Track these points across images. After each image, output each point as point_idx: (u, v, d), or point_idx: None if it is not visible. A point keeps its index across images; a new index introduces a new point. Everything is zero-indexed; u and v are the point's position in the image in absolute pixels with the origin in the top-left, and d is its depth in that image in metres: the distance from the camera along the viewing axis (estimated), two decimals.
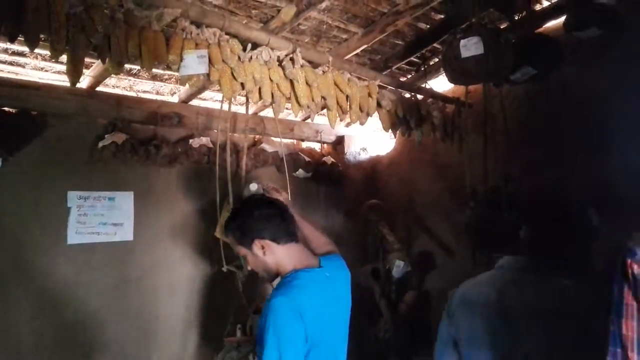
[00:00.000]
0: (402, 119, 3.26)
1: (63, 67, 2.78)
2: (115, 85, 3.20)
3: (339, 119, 2.90)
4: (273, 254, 1.92)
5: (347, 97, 2.86)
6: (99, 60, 2.71)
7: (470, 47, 2.83)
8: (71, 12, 1.77)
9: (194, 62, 2.15)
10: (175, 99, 3.48)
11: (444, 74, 3.06)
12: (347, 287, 2.10)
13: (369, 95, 3.02)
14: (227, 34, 2.31)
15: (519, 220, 2.90)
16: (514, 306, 1.76)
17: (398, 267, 3.66)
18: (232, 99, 2.55)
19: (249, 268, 2.05)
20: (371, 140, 4.73)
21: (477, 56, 2.80)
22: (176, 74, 3.07)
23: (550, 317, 1.66)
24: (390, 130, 3.33)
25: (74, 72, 1.86)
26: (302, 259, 1.95)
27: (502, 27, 3.14)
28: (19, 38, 1.75)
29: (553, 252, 1.86)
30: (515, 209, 3.07)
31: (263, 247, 1.91)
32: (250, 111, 3.72)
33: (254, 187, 2.82)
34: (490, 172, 3.26)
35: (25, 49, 2.60)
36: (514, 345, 1.73)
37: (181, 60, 2.13)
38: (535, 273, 1.81)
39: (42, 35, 1.76)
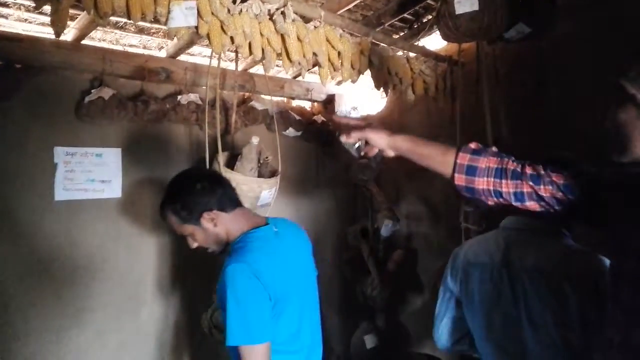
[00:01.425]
0: (394, 77, 3.22)
1: (47, 19, 2.69)
2: (102, 39, 3.11)
3: (330, 76, 2.85)
4: (223, 224, 1.92)
5: (338, 53, 2.81)
6: (84, 12, 2.68)
7: (465, 3, 2.79)
8: None
9: (182, 14, 2.08)
10: (163, 54, 3.40)
11: (438, 31, 3.02)
12: (303, 245, 2.13)
13: (361, 52, 2.97)
14: None
15: None
16: (518, 267, 1.75)
17: (387, 226, 3.69)
18: (222, 55, 2.49)
19: (194, 246, 1.99)
20: (362, 99, 4.69)
21: (471, 13, 2.77)
22: (164, 27, 3.00)
23: (556, 278, 1.65)
24: (381, 89, 3.28)
25: (59, 22, 1.80)
26: (249, 222, 1.96)
27: None
28: None
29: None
30: None
31: (213, 219, 1.90)
32: (240, 68, 3.66)
33: (255, 140, 2.81)
34: (481, 132, 3.25)
35: None
36: (517, 306, 1.73)
37: (169, 11, 2.07)
38: (539, 234, 1.79)
39: None
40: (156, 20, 2.14)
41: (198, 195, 1.93)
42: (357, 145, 1.67)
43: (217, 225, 1.91)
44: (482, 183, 1.43)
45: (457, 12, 2.77)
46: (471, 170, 1.44)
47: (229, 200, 1.98)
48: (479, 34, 2.84)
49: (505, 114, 3.30)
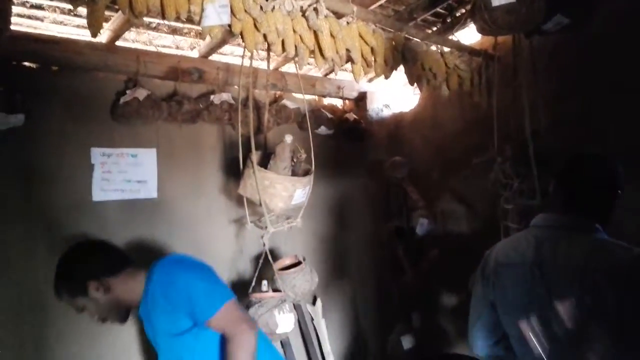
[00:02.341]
0: (428, 72, 3.16)
1: (82, 21, 2.73)
2: (135, 40, 3.14)
3: (363, 72, 2.81)
4: (116, 289, 1.86)
5: (371, 49, 2.77)
6: (118, 13, 2.71)
7: None
8: None
9: (215, 13, 2.07)
10: (195, 54, 3.42)
11: (473, 24, 2.95)
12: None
13: (394, 47, 2.92)
14: None
15: (547, 175, 2.85)
16: (553, 265, 1.70)
17: (422, 225, 3.63)
18: (254, 54, 2.48)
19: (97, 320, 1.92)
20: (394, 96, 4.63)
21: (508, 5, 2.70)
22: (196, 27, 3.02)
23: (590, 274, 1.59)
24: (415, 85, 3.23)
25: (95, 22, 1.81)
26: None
27: None
28: None
29: (586, 209, 1.80)
30: (544, 164, 3.00)
31: (99, 288, 1.84)
32: (271, 67, 3.65)
33: (289, 138, 2.80)
34: (518, 127, 3.18)
35: (44, 1, 2.56)
36: (552, 304, 1.68)
37: (202, 10, 2.07)
38: (570, 230, 1.74)
39: None
40: (189, 20, 2.14)
41: (77, 265, 1.86)
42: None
43: (108, 292, 1.84)
44: None
45: (493, 5, 2.69)
46: None
47: (117, 262, 1.91)
48: (517, 26, 2.76)
49: (544, 108, 3.21)
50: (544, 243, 1.76)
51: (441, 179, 4.10)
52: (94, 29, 1.81)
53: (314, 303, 3.80)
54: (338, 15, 2.61)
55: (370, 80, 4.35)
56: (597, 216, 1.77)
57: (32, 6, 2.58)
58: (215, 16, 2.09)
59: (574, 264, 1.64)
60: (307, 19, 2.43)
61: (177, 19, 2.06)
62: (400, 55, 2.96)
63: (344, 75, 4.20)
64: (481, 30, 2.87)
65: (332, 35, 2.51)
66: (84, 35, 2.86)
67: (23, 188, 2.72)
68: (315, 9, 2.45)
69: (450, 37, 3.60)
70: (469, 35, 3.80)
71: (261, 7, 2.25)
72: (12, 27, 2.64)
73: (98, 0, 1.74)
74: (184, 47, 3.38)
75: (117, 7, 1.87)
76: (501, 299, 1.88)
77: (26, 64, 2.73)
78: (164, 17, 1.99)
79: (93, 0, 1.73)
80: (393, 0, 3.36)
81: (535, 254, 1.76)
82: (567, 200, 1.83)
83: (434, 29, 3.80)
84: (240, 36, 2.27)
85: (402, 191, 3.89)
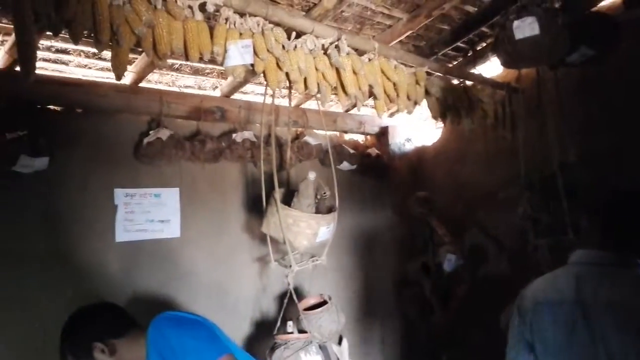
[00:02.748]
0: (452, 106, 3.13)
1: (106, 64, 2.77)
2: (158, 81, 3.19)
3: (386, 107, 2.80)
4: (123, 351, 1.77)
5: (394, 84, 2.76)
6: (142, 55, 2.75)
7: (524, 28, 2.69)
8: (114, 3, 1.73)
9: (238, 53, 2.08)
10: (217, 93, 3.45)
11: (497, 58, 2.92)
12: None
13: (417, 82, 2.91)
14: (270, 22, 2.24)
15: (579, 209, 2.77)
16: (592, 302, 1.63)
17: (449, 260, 3.54)
18: (275, 91, 2.49)
19: None
20: (416, 130, 4.61)
21: (532, 37, 2.67)
22: (218, 67, 3.05)
23: (633, 311, 1.53)
24: (438, 119, 3.20)
25: (120, 65, 1.82)
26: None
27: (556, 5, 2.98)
28: (62, 34, 1.73)
29: (626, 244, 1.73)
30: (573, 197, 2.92)
31: (104, 350, 1.75)
32: (293, 104, 3.66)
33: (312, 175, 2.77)
34: (545, 159, 3.12)
35: (69, 46, 2.61)
36: (595, 344, 1.60)
37: (225, 50, 2.08)
38: (611, 266, 1.68)
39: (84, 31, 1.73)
40: (212, 61, 2.15)
41: (83, 326, 1.80)
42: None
43: (114, 355, 1.76)
44: None
45: (516, 38, 2.68)
46: None
47: (122, 324, 1.85)
48: (541, 58, 2.74)
49: (571, 140, 3.15)
50: (585, 281, 1.69)
51: (467, 213, 4.02)
52: (119, 71, 1.82)
53: (339, 343, 3.69)
54: (359, 52, 2.62)
55: (391, 115, 4.33)
56: (638, 252, 1.70)
57: (58, 50, 2.63)
58: (238, 56, 2.10)
59: (618, 303, 1.57)
60: (329, 57, 2.44)
61: (200, 59, 2.08)
62: (423, 90, 2.94)
63: (365, 111, 4.19)
64: (505, 63, 2.84)
65: (354, 72, 2.51)
66: (109, 77, 2.90)
67: (48, 230, 2.73)
68: (337, 47, 2.46)
69: (472, 71, 3.59)
70: (490, 68, 3.79)
71: (283, 46, 2.27)
72: (38, 72, 2.69)
73: (122, 43, 1.75)
74: (206, 87, 3.41)
75: (140, 49, 1.88)
76: (540, 339, 1.79)
77: (51, 107, 2.77)
78: (187, 59, 2.00)
79: (117, 43, 1.74)
80: (413, 36, 3.36)
81: (576, 292, 1.69)
82: (606, 236, 1.76)
83: (455, 63, 3.79)
84: (262, 75, 2.28)
85: (427, 226, 3.81)
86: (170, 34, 1.89)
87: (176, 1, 1.93)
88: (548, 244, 2.98)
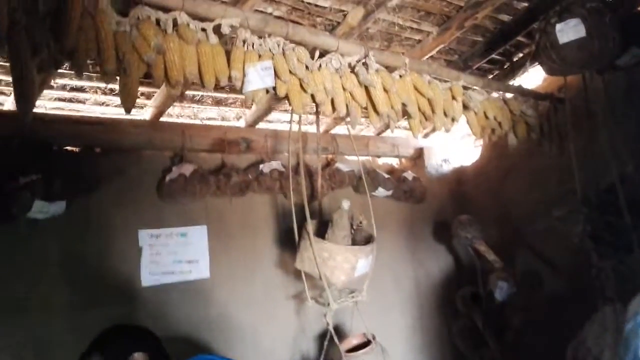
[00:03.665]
0: (493, 121, 2.91)
1: None
2: (180, 115, 3.07)
3: (421, 126, 2.59)
4: None
5: (428, 101, 2.56)
6: (161, 89, 2.62)
7: (568, 31, 2.50)
8: (120, 29, 1.59)
9: (258, 76, 1.93)
10: (241, 124, 3.31)
11: (540, 66, 2.74)
12: None
13: (453, 97, 2.71)
14: (291, 42, 2.08)
15: None
16: None
17: (501, 288, 3.27)
18: (301, 118, 2.33)
19: None
20: (453, 150, 4.37)
21: (577, 40, 2.47)
22: (241, 96, 2.90)
23: None
24: (480, 136, 2.97)
25: (128, 97, 1.67)
26: None
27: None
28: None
29: None
30: (637, 211, 2.66)
31: None
32: (321, 129, 3.49)
33: (346, 204, 2.60)
34: (598, 172, 2.86)
35: (85, 83, 2.51)
36: None
37: (244, 75, 1.92)
38: None
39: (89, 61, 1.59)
40: (233, 89, 2.00)
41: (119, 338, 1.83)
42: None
43: None
44: None
45: (560, 42, 2.49)
46: None
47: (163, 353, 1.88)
48: (589, 62, 2.54)
49: (626, 149, 2.88)
50: None
51: (515, 236, 3.74)
52: (128, 104, 1.67)
53: None
54: (389, 69, 2.45)
55: (426, 135, 4.13)
56: None
57: (73, 89, 2.53)
58: (259, 79, 1.94)
59: None
60: (357, 75, 2.28)
61: (218, 86, 1.93)
62: (461, 105, 2.73)
63: (397, 132, 4.00)
64: (549, 70, 2.65)
65: (385, 90, 2.33)
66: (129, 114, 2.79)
67: (68, 278, 2.58)
68: (365, 64, 2.29)
69: (510, 83, 3.38)
70: (530, 79, 3.57)
71: (307, 67, 2.11)
72: (53, 112, 2.60)
73: (130, 72, 1.60)
74: (230, 117, 3.28)
75: (148, 80, 1.74)
76: None
77: (68, 148, 2.66)
78: (203, 85, 1.85)
79: (125, 72, 1.59)
80: (444, 50, 3.18)
81: None
82: None
83: (490, 76, 3.57)
84: (286, 99, 2.11)
85: (474, 252, 3.55)
86: (182, 60, 1.75)
87: (188, 24, 1.78)
88: (613, 265, 2.70)
